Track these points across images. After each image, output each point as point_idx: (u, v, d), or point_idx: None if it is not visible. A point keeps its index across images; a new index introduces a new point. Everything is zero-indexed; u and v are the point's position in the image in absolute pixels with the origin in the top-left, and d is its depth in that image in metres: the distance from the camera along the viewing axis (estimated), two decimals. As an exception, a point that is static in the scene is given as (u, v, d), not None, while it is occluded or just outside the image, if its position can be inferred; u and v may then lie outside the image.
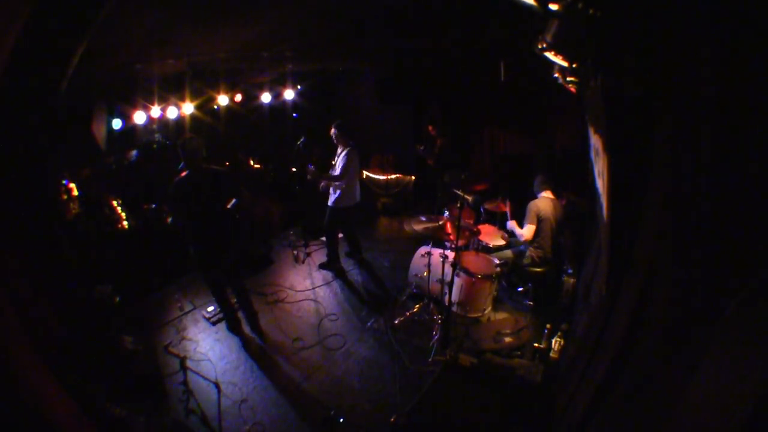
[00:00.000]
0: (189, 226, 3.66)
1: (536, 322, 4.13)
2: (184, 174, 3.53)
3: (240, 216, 3.94)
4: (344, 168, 4.73)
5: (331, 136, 4.86)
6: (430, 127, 6.63)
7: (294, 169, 6.26)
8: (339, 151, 4.87)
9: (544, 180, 4.38)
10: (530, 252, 4.31)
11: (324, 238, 5.95)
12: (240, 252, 4.03)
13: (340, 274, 5.21)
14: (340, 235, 5.83)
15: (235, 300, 4.08)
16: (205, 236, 3.66)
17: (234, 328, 4.11)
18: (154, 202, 4.64)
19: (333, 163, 4.98)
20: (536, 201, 4.27)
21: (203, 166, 3.59)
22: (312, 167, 4.86)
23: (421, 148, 6.61)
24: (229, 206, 3.79)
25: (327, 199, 5.02)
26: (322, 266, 5.38)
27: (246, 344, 3.98)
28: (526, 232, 4.21)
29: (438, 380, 3.27)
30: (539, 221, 4.19)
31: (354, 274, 5.24)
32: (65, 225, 4.00)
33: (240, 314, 4.12)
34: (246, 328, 4.13)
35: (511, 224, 4.49)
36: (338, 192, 4.87)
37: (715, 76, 1.24)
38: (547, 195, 4.31)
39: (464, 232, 4.00)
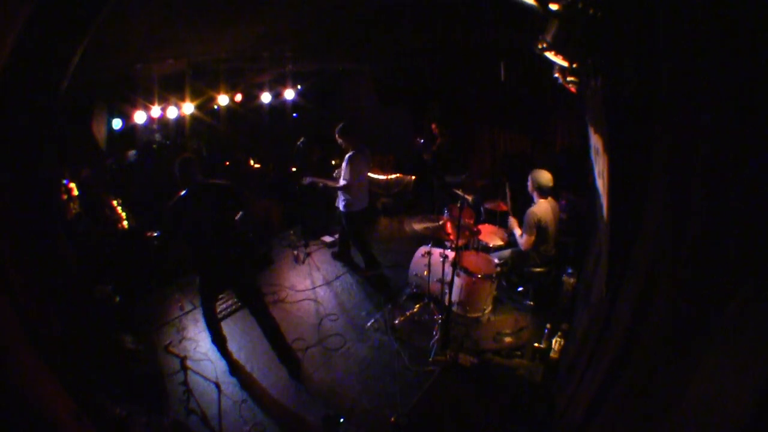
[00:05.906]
0: (191, 251, 3.39)
1: (536, 322, 4.12)
2: (182, 193, 3.28)
3: (250, 231, 3.69)
4: (350, 176, 4.54)
5: (339, 143, 4.69)
6: (433, 125, 6.65)
7: (294, 169, 6.26)
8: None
9: (546, 190, 4.08)
10: (532, 253, 4.28)
11: (325, 238, 5.96)
12: (251, 275, 3.75)
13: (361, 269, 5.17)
14: (334, 237, 5.81)
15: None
16: (210, 260, 3.39)
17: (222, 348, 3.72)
18: (157, 230, 4.43)
19: (334, 164, 4.91)
20: (534, 209, 4.08)
21: (202, 181, 3.37)
22: (309, 179, 4.74)
23: (421, 141, 6.70)
24: (237, 218, 3.52)
25: (327, 198, 4.96)
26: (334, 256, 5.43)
27: (246, 344, 3.98)
28: (525, 242, 4.12)
29: (438, 380, 3.28)
30: (539, 229, 4.06)
31: (354, 274, 5.24)
32: (65, 225, 4.00)
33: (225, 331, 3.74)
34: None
35: (512, 222, 4.35)
36: (347, 197, 4.71)
37: (714, 75, 1.24)
38: (543, 200, 4.13)
39: (464, 232, 3.99)
